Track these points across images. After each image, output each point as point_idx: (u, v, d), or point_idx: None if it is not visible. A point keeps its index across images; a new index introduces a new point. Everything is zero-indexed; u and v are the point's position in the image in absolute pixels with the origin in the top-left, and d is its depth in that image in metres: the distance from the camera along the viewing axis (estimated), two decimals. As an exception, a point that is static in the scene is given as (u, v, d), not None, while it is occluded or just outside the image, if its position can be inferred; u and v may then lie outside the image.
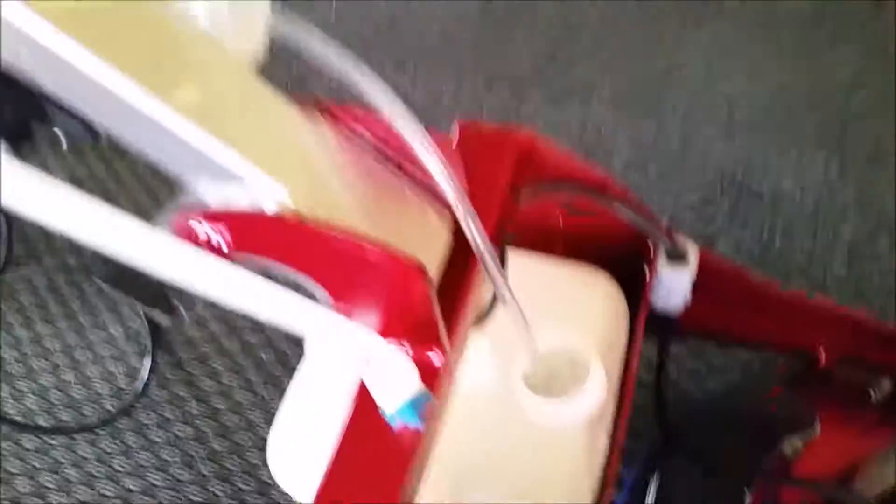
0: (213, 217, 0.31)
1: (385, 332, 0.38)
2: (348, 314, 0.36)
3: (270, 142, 0.32)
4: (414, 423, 0.37)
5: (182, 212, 0.31)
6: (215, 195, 0.31)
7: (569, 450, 0.57)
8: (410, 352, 0.39)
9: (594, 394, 0.55)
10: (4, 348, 1.10)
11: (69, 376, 1.07)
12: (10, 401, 1.06)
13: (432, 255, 0.41)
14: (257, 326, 1.07)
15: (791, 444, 0.70)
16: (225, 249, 0.32)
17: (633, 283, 0.64)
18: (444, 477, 0.53)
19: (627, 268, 0.64)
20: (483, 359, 0.57)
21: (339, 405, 0.39)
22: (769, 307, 0.70)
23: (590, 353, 0.55)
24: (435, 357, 0.40)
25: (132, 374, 1.06)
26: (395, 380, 0.37)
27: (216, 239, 0.31)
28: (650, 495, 0.84)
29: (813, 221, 1.10)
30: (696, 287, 0.62)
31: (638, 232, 0.60)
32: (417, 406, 0.37)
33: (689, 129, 1.20)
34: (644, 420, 0.93)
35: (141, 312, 1.10)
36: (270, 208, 0.31)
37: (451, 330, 0.40)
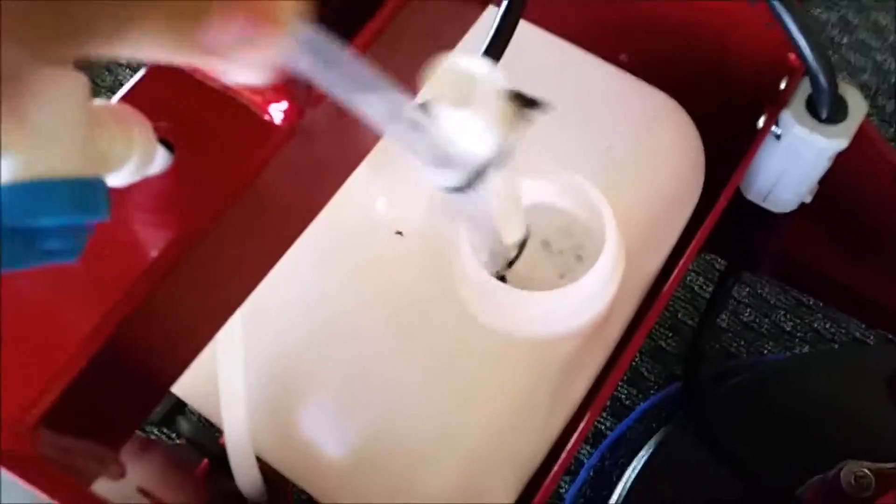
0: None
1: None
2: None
3: None
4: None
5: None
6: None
7: (527, 369, 0.34)
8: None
9: (597, 295, 0.30)
10: None
11: None
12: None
13: None
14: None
15: (856, 471, 0.45)
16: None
17: (723, 146, 0.37)
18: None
19: (721, 116, 0.37)
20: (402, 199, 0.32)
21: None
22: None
23: (608, 222, 0.30)
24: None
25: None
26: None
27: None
28: (636, 462, 0.61)
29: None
30: (826, 184, 0.35)
31: (768, 51, 0.34)
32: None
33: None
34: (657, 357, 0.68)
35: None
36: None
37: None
